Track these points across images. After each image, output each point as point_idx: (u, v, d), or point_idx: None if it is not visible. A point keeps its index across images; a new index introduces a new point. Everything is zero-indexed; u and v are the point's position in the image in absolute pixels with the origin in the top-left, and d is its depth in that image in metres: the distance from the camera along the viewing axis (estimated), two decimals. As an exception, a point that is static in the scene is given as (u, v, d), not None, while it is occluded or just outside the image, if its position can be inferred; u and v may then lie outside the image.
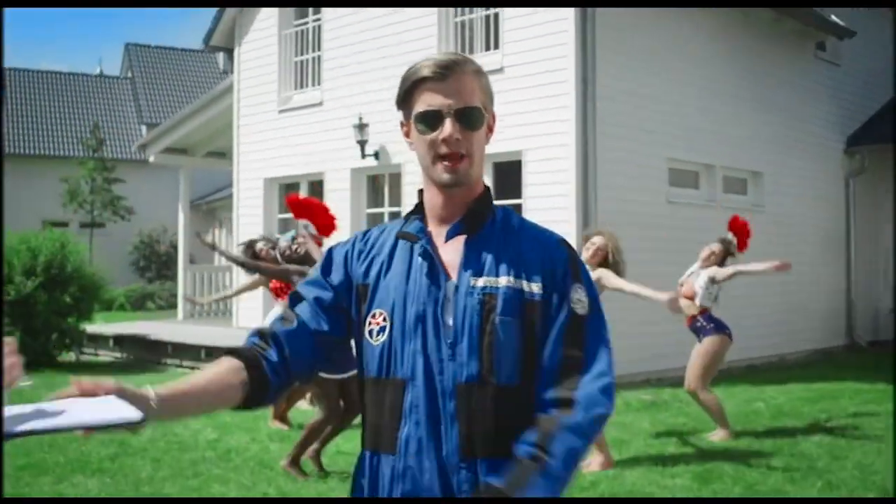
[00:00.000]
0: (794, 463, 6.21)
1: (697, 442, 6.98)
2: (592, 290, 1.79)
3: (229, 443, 6.93)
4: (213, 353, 11.33)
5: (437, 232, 1.79)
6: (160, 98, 28.87)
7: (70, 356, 12.68)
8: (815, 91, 13.49)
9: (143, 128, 26.56)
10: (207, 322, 14.52)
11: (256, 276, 7.86)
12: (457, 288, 1.72)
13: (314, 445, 6.03)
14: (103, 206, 24.59)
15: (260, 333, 1.80)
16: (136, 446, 6.62)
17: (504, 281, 1.71)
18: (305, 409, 8.20)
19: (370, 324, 1.77)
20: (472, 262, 1.73)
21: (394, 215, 11.79)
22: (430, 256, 1.74)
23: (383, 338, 1.74)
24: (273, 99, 13.26)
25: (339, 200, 12.22)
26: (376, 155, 11.62)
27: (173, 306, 19.01)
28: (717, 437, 7.05)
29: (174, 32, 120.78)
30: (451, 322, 1.70)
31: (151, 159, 16.43)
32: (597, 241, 6.23)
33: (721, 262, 7.18)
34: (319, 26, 12.69)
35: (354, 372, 1.90)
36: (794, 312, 12.62)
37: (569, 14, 9.68)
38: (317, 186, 12.78)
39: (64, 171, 24.65)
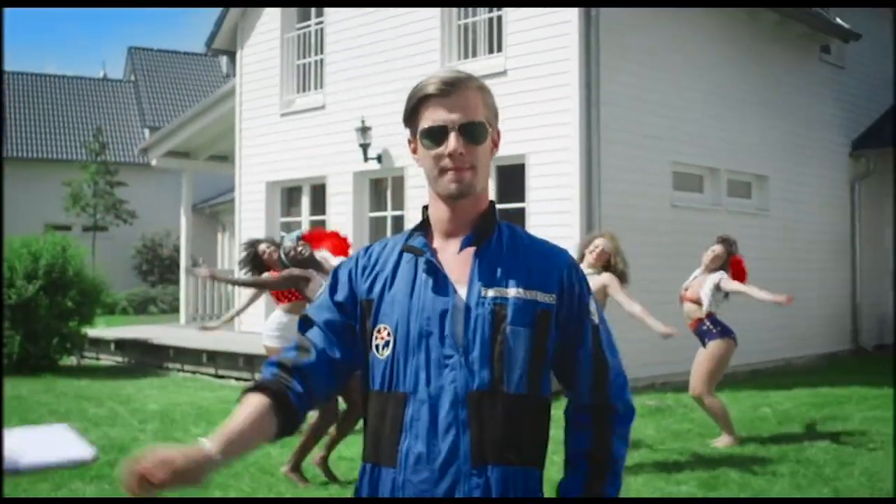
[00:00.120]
0: (800, 469, 6.13)
1: (702, 448, 6.92)
2: (594, 298, 1.91)
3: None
4: (214, 357, 11.31)
5: (443, 246, 1.83)
6: (163, 101, 28.90)
7: (71, 360, 12.65)
8: (819, 94, 13.42)
9: (146, 131, 26.58)
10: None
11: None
12: (467, 298, 1.75)
13: (320, 453, 5.97)
14: (106, 210, 24.61)
15: (280, 364, 1.82)
16: (135, 453, 6.54)
17: (513, 292, 1.77)
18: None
19: (376, 338, 1.80)
20: (482, 274, 1.78)
21: (396, 219, 11.75)
22: (436, 270, 1.77)
23: (388, 352, 1.77)
24: (275, 102, 13.23)
25: (342, 204, 12.20)
26: (379, 158, 11.57)
27: (175, 310, 18.98)
28: (722, 442, 6.98)
29: (177, 36, 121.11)
30: (460, 332, 1.73)
31: (154, 163, 16.45)
32: (600, 243, 6.20)
33: (725, 265, 7.14)
34: (322, 29, 12.66)
35: (355, 372, 1.89)
36: (799, 317, 12.50)
37: (572, 17, 9.63)
38: (319, 190, 12.75)
39: (67, 175, 24.64)
